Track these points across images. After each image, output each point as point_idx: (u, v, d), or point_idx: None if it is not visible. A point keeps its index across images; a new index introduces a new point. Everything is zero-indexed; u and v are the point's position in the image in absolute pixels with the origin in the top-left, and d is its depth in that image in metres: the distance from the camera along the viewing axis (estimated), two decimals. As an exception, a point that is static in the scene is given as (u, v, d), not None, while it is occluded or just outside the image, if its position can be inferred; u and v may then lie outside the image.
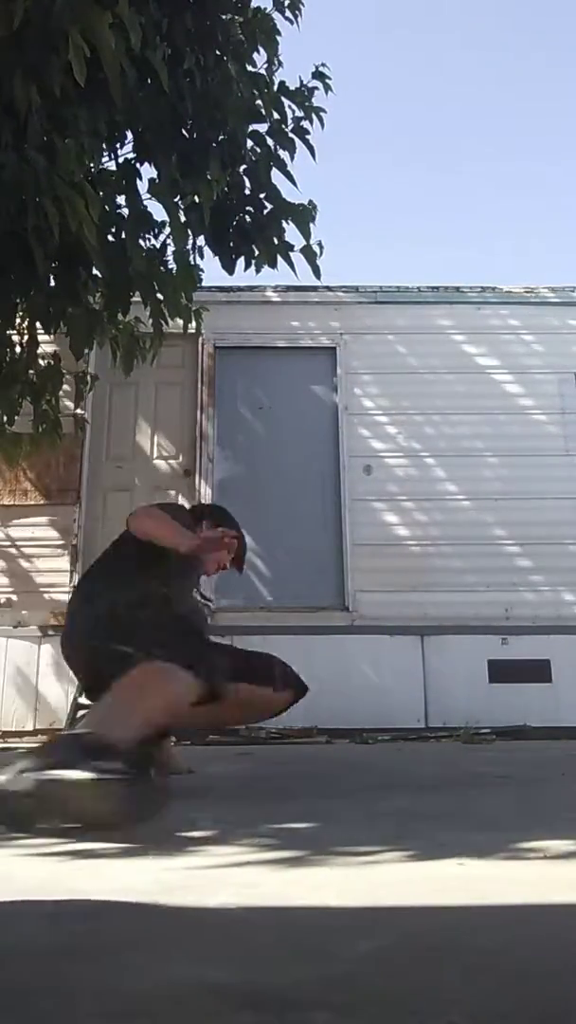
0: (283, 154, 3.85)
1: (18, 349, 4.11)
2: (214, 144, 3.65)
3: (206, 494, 5.49)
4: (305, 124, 3.84)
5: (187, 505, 3.72)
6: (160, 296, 3.80)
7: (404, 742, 4.40)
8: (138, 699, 1.83)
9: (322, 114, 3.84)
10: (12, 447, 4.38)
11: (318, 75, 3.85)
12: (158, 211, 3.61)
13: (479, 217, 23.85)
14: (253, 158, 3.86)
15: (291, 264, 3.85)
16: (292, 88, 3.84)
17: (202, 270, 3.92)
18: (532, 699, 5.06)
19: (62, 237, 3.01)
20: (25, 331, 4.08)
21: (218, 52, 3.68)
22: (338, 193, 21.33)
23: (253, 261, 3.95)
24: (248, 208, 3.91)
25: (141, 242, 3.58)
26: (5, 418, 4.15)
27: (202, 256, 3.95)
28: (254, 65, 3.85)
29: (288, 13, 3.82)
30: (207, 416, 5.70)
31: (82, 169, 2.96)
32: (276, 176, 3.87)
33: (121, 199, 3.61)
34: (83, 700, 4.84)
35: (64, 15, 2.73)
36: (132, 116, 3.45)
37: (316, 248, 3.78)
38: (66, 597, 5.34)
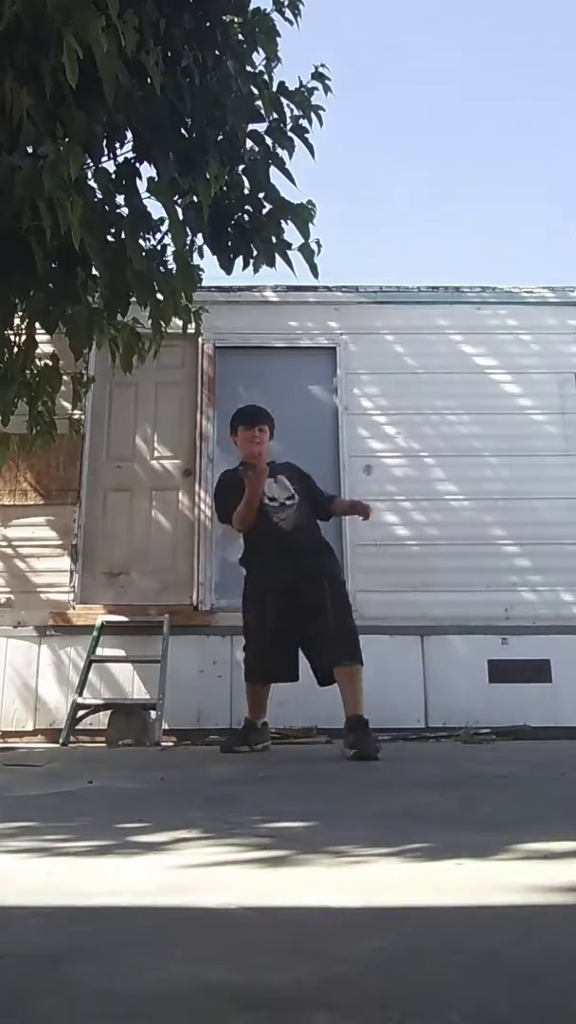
0: (282, 153, 3.85)
1: (15, 349, 4.10)
2: (213, 142, 3.64)
3: (206, 495, 5.48)
4: (304, 123, 3.84)
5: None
6: (160, 297, 3.78)
7: (404, 742, 4.40)
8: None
9: (321, 112, 3.84)
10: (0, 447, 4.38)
11: (318, 76, 3.84)
12: (157, 210, 3.61)
13: (479, 217, 23.87)
14: (252, 157, 3.85)
15: (289, 263, 3.84)
16: (291, 88, 3.84)
17: (202, 270, 3.90)
18: (532, 699, 5.06)
19: (60, 238, 3.00)
20: (23, 331, 4.06)
21: (217, 52, 3.67)
22: (339, 192, 21.35)
23: (252, 260, 3.94)
24: (247, 207, 3.90)
25: (141, 242, 3.57)
26: (0, 418, 4.14)
27: (201, 255, 3.94)
28: (253, 66, 3.84)
29: (288, 13, 3.81)
30: (207, 416, 5.70)
31: (76, 170, 2.94)
32: (275, 175, 3.87)
33: (120, 198, 3.60)
34: (82, 700, 4.85)
35: (57, 16, 2.73)
36: (130, 116, 3.44)
37: (314, 246, 3.76)
38: (66, 597, 5.35)
